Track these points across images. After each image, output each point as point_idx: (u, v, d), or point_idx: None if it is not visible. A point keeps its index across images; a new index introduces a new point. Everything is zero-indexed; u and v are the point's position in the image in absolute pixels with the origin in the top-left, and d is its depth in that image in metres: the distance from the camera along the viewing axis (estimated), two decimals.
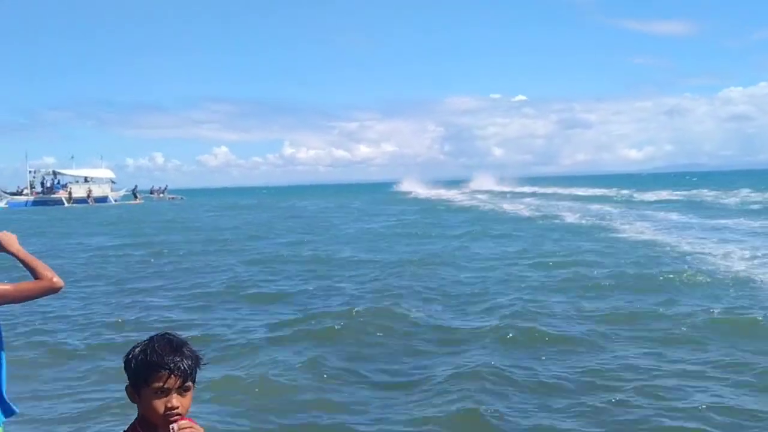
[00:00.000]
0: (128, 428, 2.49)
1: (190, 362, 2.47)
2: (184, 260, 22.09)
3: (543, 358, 9.49)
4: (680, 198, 51.99)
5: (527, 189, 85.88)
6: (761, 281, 14.36)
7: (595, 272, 16.31)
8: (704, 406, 7.45)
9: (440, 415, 7.47)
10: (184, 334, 2.66)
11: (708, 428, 6.89)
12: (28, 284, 3.45)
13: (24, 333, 11.65)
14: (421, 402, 7.92)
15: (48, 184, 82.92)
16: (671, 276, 15.18)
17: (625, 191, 69.05)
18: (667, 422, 7.05)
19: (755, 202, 42.87)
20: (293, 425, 7.49)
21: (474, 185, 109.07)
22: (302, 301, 14.11)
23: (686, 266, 16.50)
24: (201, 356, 2.55)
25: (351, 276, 17.36)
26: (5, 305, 3.45)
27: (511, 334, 10.60)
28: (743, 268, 16.27)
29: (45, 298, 3.62)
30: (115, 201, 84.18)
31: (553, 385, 8.31)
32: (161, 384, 2.41)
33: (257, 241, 28.65)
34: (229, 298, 14.95)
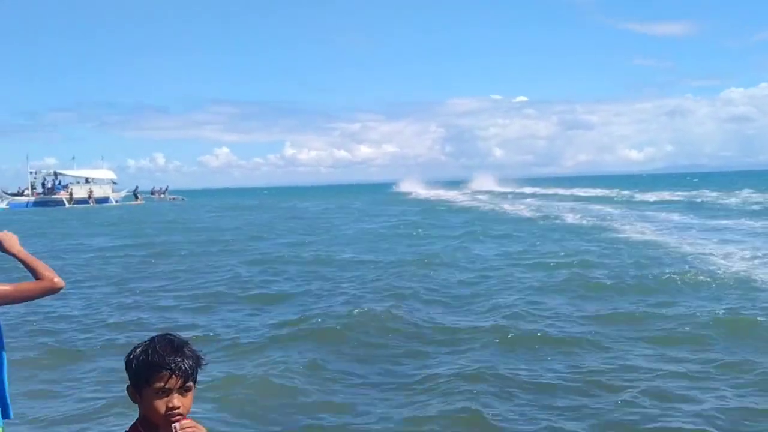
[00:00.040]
0: (129, 428, 2.49)
1: (191, 362, 2.47)
2: (185, 261, 22.10)
3: (544, 358, 9.49)
4: (681, 199, 51.96)
5: (528, 190, 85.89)
6: (762, 281, 14.35)
7: (596, 273, 16.30)
8: (707, 407, 7.45)
9: (441, 416, 7.46)
10: (185, 335, 2.66)
11: (711, 429, 6.88)
12: (29, 284, 3.45)
13: (25, 333, 11.66)
14: (422, 403, 7.91)
15: (49, 185, 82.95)
16: (672, 277, 15.17)
17: (625, 192, 69.04)
18: (669, 423, 7.03)
19: (756, 203, 42.86)
20: (294, 426, 7.49)
21: (474, 186, 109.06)
22: (303, 302, 14.11)
23: (687, 267, 16.49)
24: (202, 356, 2.55)
25: (352, 276, 17.36)
26: (6, 305, 3.45)
27: (511, 335, 10.59)
28: (744, 268, 16.26)
29: (46, 298, 3.62)
30: (116, 202, 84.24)
31: (554, 386, 8.31)
32: (162, 384, 2.42)
33: (258, 241, 28.65)
34: (230, 298, 14.95)
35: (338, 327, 11.49)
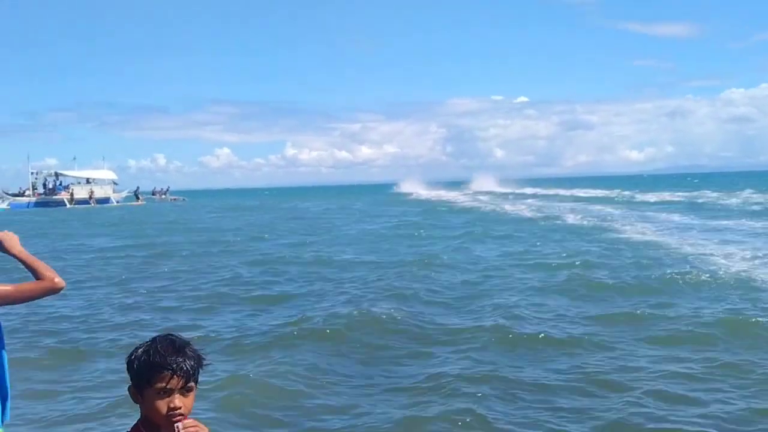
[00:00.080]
0: (131, 429, 2.49)
1: (192, 363, 2.47)
2: (186, 261, 22.10)
3: (545, 359, 9.48)
4: (682, 199, 51.94)
5: (528, 190, 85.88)
6: (763, 281, 14.34)
7: (598, 273, 16.29)
8: (710, 409, 7.44)
9: (443, 417, 7.46)
10: (186, 335, 2.66)
11: (713, 431, 6.87)
12: (30, 285, 3.45)
13: (26, 334, 11.66)
14: (424, 404, 7.90)
15: (50, 186, 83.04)
16: (673, 277, 15.16)
17: (626, 192, 69.02)
18: (673, 425, 7.02)
19: (757, 203, 42.83)
20: (296, 427, 7.48)
21: (474, 186, 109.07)
22: (305, 303, 14.10)
23: (688, 267, 16.47)
24: (203, 357, 2.55)
25: (353, 277, 17.35)
26: (7, 306, 3.45)
27: (513, 336, 10.59)
28: (745, 268, 16.24)
29: (47, 298, 3.62)
30: (117, 202, 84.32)
31: (556, 387, 8.30)
32: (164, 384, 2.42)
33: (259, 242, 28.65)
34: (232, 299, 14.95)
35: (340, 328, 11.49)
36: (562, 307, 12.87)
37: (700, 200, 49.05)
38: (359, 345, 10.62)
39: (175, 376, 2.42)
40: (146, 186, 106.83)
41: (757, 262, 17.45)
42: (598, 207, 45.98)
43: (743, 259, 18.05)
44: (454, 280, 16.46)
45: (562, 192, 76.77)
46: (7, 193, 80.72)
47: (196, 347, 2.54)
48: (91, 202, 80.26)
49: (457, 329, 11.30)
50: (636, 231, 27.12)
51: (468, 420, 7.33)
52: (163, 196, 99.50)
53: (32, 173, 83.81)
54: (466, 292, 14.81)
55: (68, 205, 76.78)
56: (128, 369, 2.50)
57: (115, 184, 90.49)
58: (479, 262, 19.67)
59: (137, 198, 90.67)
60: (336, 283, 16.61)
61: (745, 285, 14.08)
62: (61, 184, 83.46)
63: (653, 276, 15.59)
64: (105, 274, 19.57)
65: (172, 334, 2.56)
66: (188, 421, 2.44)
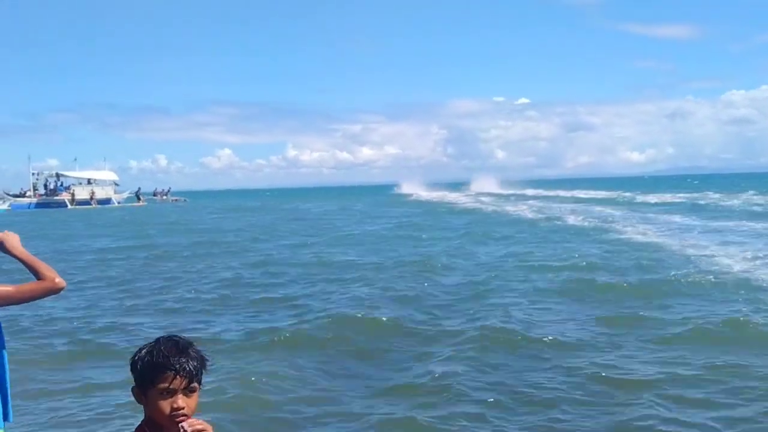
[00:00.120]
0: (136, 430, 2.50)
1: (195, 363, 2.48)
2: (187, 262, 22.11)
3: (545, 362, 9.46)
4: (683, 200, 51.91)
5: (530, 191, 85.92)
6: (766, 282, 14.32)
7: (599, 275, 16.28)
8: (711, 412, 7.43)
9: (443, 419, 7.45)
10: (186, 336, 2.65)
11: None
12: (30, 285, 3.45)
13: (28, 335, 11.67)
14: (424, 406, 7.89)
15: (51, 186, 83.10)
16: (675, 279, 15.15)
17: (627, 193, 69.03)
18: (676, 428, 7.01)
19: (758, 205, 42.82)
20: (295, 429, 7.48)
21: (474, 187, 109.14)
22: (305, 304, 14.10)
23: (690, 269, 16.47)
24: (207, 358, 2.56)
25: (354, 278, 17.35)
26: (8, 306, 3.44)
27: (513, 338, 10.58)
28: (748, 270, 16.23)
29: (49, 300, 3.62)
30: (119, 203, 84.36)
31: (557, 390, 8.28)
32: (167, 385, 2.42)
33: (261, 243, 28.67)
34: (232, 301, 14.95)
35: (340, 329, 11.49)
36: (564, 309, 12.86)
37: (701, 201, 49.01)
38: (360, 346, 10.61)
39: (178, 377, 2.42)
40: (147, 187, 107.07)
41: (758, 262, 17.44)
42: (599, 208, 45.97)
43: (745, 260, 18.04)
44: (454, 281, 16.46)
45: (563, 193, 76.76)
46: (8, 194, 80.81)
47: (199, 348, 2.55)
48: (92, 202, 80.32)
49: (457, 331, 11.28)
50: (637, 232, 27.11)
51: (468, 422, 7.32)
52: (165, 197, 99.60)
53: (33, 174, 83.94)
54: (467, 293, 14.80)
55: (69, 206, 76.85)
56: (132, 370, 2.51)
57: (116, 185, 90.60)
58: (480, 263, 19.66)
59: (138, 199, 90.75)
60: (337, 284, 16.61)
61: (748, 286, 14.07)
62: (62, 185, 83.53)
63: (655, 278, 15.58)
64: (106, 275, 19.58)
65: (175, 336, 2.57)
66: (193, 420, 2.44)
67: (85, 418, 7.78)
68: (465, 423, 7.27)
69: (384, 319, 12.21)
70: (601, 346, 10.11)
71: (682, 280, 14.90)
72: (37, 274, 3.46)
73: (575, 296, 13.99)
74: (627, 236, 25.54)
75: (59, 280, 3.46)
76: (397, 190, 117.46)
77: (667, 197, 57.90)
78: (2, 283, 3.42)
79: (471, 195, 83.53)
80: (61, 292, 3.54)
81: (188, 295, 15.72)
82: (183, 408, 2.43)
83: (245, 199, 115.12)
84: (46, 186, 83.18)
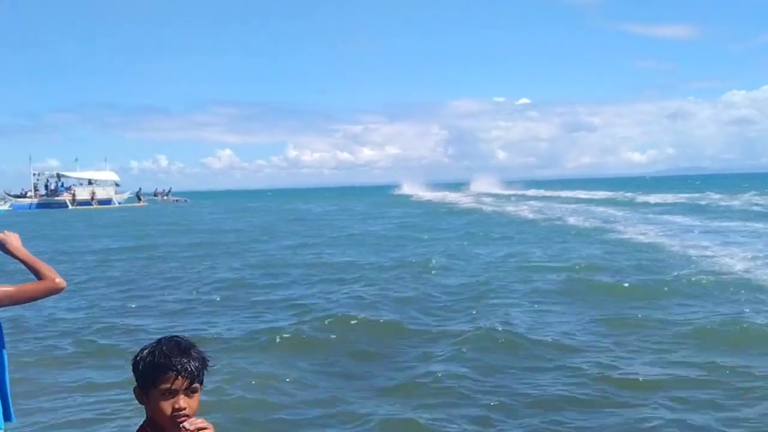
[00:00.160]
0: (137, 430, 2.49)
1: (197, 364, 2.47)
2: (188, 263, 22.10)
3: (546, 363, 9.44)
4: (685, 201, 51.85)
5: (530, 192, 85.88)
6: (766, 282, 14.31)
7: (600, 276, 16.27)
8: (713, 413, 7.42)
9: (444, 421, 7.44)
10: (188, 337, 2.65)
11: None
12: (31, 285, 3.46)
13: (28, 335, 11.66)
14: (425, 407, 7.88)
15: (52, 187, 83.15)
16: (677, 280, 15.14)
17: (628, 194, 68.95)
18: (676, 429, 7.00)
19: (759, 205, 42.77)
20: (295, 429, 7.47)
21: (474, 188, 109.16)
22: (305, 305, 14.08)
23: (692, 269, 16.45)
24: (208, 358, 2.56)
25: (354, 279, 17.34)
26: (8, 306, 3.44)
27: (513, 339, 10.56)
28: (751, 271, 16.21)
29: (50, 301, 3.62)
30: (119, 203, 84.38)
31: (557, 392, 8.27)
32: (168, 385, 2.42)
33: (261, 243, 28.67)
34: (233, 301, 14.94)
35: (340, 330, 11.48)
36: (565, 310, 12.85)
37: (702, 202, 48.96)
38: (361, 347, 10.61)
39: (179, 377, 2.42)
40: (148, 187, 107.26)
41: (758, 263, 17.43)
42: (600, 209, 45.94)
43: (746, 260, 18.01)
44: (455, 282, 16.44)
45: (563, 193, 76.72)
46: (9, 195, 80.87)
47: (201, 349, 2.54)
48: (93, 203, 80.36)
49: (458, 332, 11.26)
50: (638, 233, 27.09)
51: (471, 424, 7.31)
52: (165, 198, 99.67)
53: (34, 174, 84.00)
54: (468, 294, 14.78)
55: (70, 207, 76.89)
56: (134, 370, 2.50)
57: (117, 185, 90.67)
58: (481, 264, 19.65)
59: (139, 199, 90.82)
60: (337, 284, 16.60)
61: (749, 287, 14.05)
62: (62, 186, 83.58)
63: (656, 278, 15.57)
64: (107, 276, 19.58)
65: (177, 336, 2.56)
66: (195, 419, 2.44)
67: (86, 418, 7.78)
68: (467, 425, 7.27)
69: (385, 320, 12.20)
70: (602, 347, 10.10)
71: (684, 281, 14.88)
72: (38, 275, 3.46)
73: (576, 297, 13.97)
74: (628, 237, 25.52)
75: (60, 280, 3.46)
76: (397, 191, 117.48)
77: (668, 198, 57.82)
78: (3, 284, 3.42)
79: (472, 195, 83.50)
80: (62, 292, 3.55)
81: (189, 296, 15.72)
82: (185, 408, 2.42)
83: (246, 199, 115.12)
84: (47, 186, 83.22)
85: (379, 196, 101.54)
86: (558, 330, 11.18)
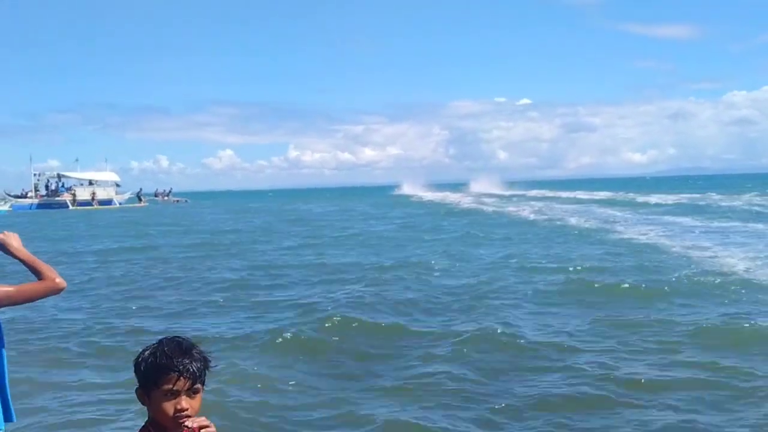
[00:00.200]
0: (139, 431, 2.48)
1: (199, 364, 2.47)
2: (188, 263, 22.09)
3: (546, 365, 9.42)
4: (686, 201, 51.81)
5: (531, 192, 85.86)
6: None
7: (601, 276, 16.25)
8: (715, 413, 7.40)
9: (445, 422, 7.42)
10: (190, 338, 2.64)
11: None
12: (31, 285, 3.45)
13: (29, 336, 11.63)
14: (426, 408, 7.87)
15: (52, 187, 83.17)
16: (677, 280, 15.12)
17: (629, 194, 68.92)
18: (679, 431, 6.98)
19: (760, 205, 42.73)
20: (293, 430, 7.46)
21: (474, 188, 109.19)
22: (306, 306, 14.06)
23: (692, 270, 16.43)
24: (210, 359, 2.55)
25: (354, 280, 17.32)
26: (8, 306, 3.43)
27: (514, 340, 10.54)
28: (750, 270, 16.19)
29: (50, 301, 3.62)
30: (120, 204, 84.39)
31: (557, 394, 8.25)
32: (170, 386, 2.41)
33: (262, 244, 28.66)
34: (233, 302, 14.92)
35: (341, 331, 11.47)
36: (566, 311, 12.82)
37: (702, 202, 48.93)
38: (361, 348, 10.59)
39: (181, 378, 2.41)
40: (149, 187, 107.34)
41: (759, 263, 17.41)
42: (601, 209, 45.90)
43: (748, 261, 17.99)
44: (456, 283, 16.42)
45: (564, 194, 76.68)
46: (10, 195, 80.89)
47: (202, 349, 2.54)
48: (93, 203, 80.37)
49: (460, 333, 11.23)
50: (639, 233, 27.07)
51: (472, 425, 7.30)
52: (166, 198, 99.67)
53: (35, 175, 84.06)
54: (469, 295, 14.76)
55: (71, 207, 76.90)
56: (135, 371, 2.50)
57: (117, 185, 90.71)
58: (482, 264, 19.63)
59: (140, 200, 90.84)
60: (338, 285, 16.59)
61: (751, 287, 14.03)
62: (63, 186, 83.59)
63: (657, 279, 15.54)
64: (107, 276, 19.57)
65: (178, 336, 2.56)
66: (197, 418, 2.44)
67: (87, 418, 7.76)
68: (470, 426, 7.25)
69: (386, 320, 12.19)
70: (604, 348, 10.07)
71: (685, 282, 14.86)
72: (38, 275, 3.45)
73: (577, 298, 13.95)
74: (629, 237, 25.50)
75: (60, 280, 3.45)
76: (397, 191, 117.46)
77: (669, 198, 57.76)
78: (3, 284, 3.41)
79: (472, 196, 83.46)
80: (62, 292, 3.54)
81: (189, 297, 15.70)
82: (187, 409, 2.42)
83: (247, 200, 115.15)
84: (47, 187, 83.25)
85: (379, 196, 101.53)
86: (559, 331, 11.16)
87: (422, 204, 68.18)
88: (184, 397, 2.42)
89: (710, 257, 18.91)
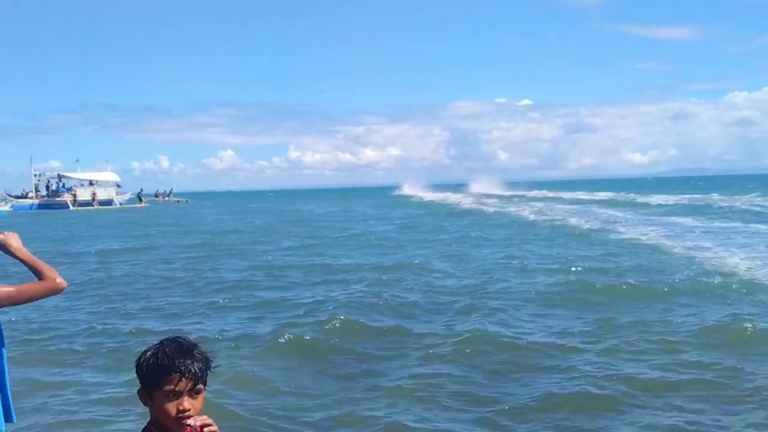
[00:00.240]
0: (142, 431, 2.47)
1: (200, 365, 2.46)
2: (188, 264, 22.09)
3: (548, 365, 9.41)
4: (687, 202, 51.79)
5: (532, 193, 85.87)
6: None
7: (601, 277, 16.23)
8: (717, 414, 7.38)
9: (446, 423, 7.41)
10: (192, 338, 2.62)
11: None
12: (32, 285, 3.45)
13: (30, 336, 11.63)
14: (427, 409, 7.86)
15: (53, 188, 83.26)
16: (678, 281, 15.11)
17: (631, 195, 68.91)
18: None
19: (762, 206, 42.70)
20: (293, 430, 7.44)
21: (474, 189, 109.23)
22: (306, 307, 14.05)
23: (693, 270, 16.40)
24: (212, 359, 2.54)
25: (354, 280, 17.31)
26: (9, 306, 3.42)
27: (514, 341, 10.53)
28: (752, 271, 16.17)
29: (50, 301, 3.61)
30: (120, 204, 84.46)
31: (558, 393, 8.24)
32: (172, 387, 2.40)
33: (262, 245, 28.65)
34: (233, 303, 14.91)
35: (342, 332, 11.46)
36: (567, 312, 12.80)
37: (705, 203, 48.90)
38: (361, 349, 10.57)
39: (183, 379, 2.41)
40: (149, 188, 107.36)
41: (759, 263, 17.39)
42: (602, 210, 45.90)
43: (749, 261, 17.97)
44: (457, 283, 16.41)
45: (565, 195, 76.67)
46: (10, 195, 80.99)
47: (204, 349, 2.53)
48: (94, 204, 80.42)
49: (460, 333, 11.21)
50: (640, 234, 27.05)
51: (472, 426, 7.28)
52: (167, 198, 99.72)
53: (35, 175, 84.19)
54: (469, 295, 14.73)
55: (71, 207, 76.98)
56: (137, 372, 2.49)
57: (118, 186, 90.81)
58: (482, 265, 19.61)
59: (140, 200, 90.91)
60: (338, 286, 16.58)
61: (752, 288, 14.01)
62: (64, 186, 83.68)
63: (658, 280, 15.52)
64: (108, 276, 19.56)
65: (180, 337, 2.55)
66: (199, 417, 2.44)
67: (87, 419, 7.75)
68: (471, 427, 7.23)
69: (386, 321, 12.18)
70: (605, 348, 10.04)
71: (686, 282, 14.84)
72: (39, 275, 3.45)
73: (578, 298, 13.93)
74: (630, 238, 25.48)
75: (60, 281, 3.45)
76: (398, 192, 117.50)
77: (670, 199, 57.75)
78: (3, 284, 3.40)
79: (473, 196, 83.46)
80: (63, 292, 3.53)
81: (190, 297, 15.69)
82: (189, 410, 2.41)
83: (247, 200, 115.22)
84: (48, 187, 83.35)
85: (380, 197, 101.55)
86: (561, 331, 11.14)
87: (423, 204, 68.20)
88: (186, 397, 2.42)
89: (711, 258, 18.88)
